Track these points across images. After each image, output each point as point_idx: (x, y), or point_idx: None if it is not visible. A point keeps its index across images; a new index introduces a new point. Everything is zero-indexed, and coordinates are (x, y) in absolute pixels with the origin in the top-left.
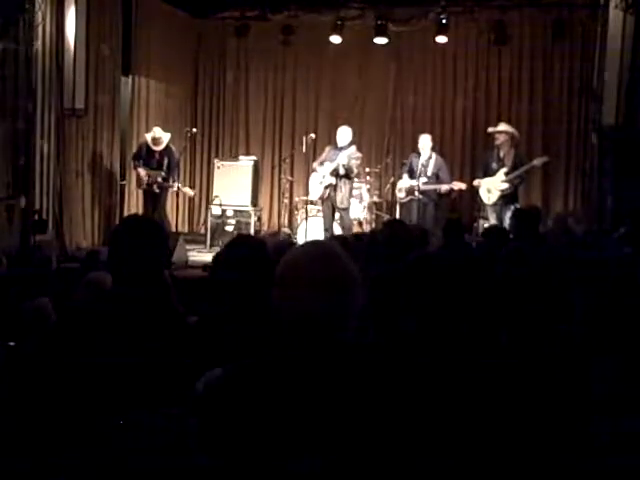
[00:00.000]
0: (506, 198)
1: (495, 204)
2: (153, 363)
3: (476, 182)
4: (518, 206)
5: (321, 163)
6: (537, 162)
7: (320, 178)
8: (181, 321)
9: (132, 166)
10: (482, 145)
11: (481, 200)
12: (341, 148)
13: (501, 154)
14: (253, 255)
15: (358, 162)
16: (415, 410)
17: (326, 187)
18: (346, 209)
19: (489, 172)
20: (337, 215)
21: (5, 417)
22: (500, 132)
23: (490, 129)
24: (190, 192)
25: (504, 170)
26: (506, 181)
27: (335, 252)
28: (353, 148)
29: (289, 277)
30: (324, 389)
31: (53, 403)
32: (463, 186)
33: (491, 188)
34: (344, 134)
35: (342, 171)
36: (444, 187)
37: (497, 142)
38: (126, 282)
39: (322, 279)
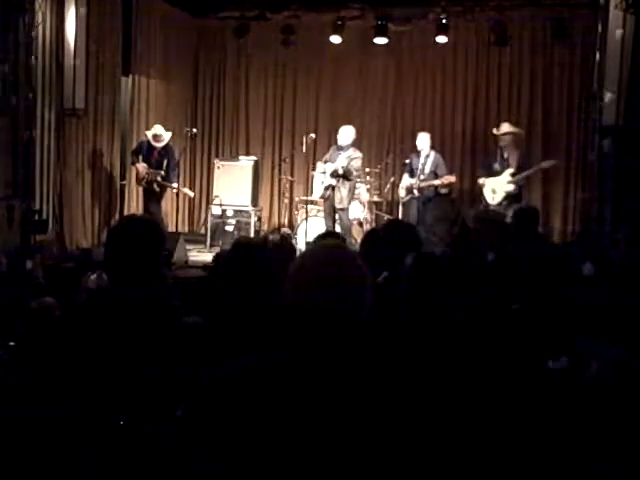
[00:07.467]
0: (510, 198)
1: (499, 204)
2: (151, 363)
3: (481, 181)
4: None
5: (325, 162)
6: (545, 165)
7: (322, 178)
8: (179, 320)
9: (130, 161)
10: (482, 145)
11: (485, 200)
12: (341, 148)
13: (505, 155)
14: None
15: (359, 162)
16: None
17: (326, 188)
18: (344, 209)
19: (492, 172)
20: (337, 215)
21: (5, 416)
22: (505, 134)
23: (495, 131)
24: (190, 193)
25: (510, 171)
26: (512, 182)
27: (348, 252)
28: (351, 150)
29: (305, 277)
30: (340, 384)
31: (53, 402)
32: (452, 179)
33: (496, 188)
34: (345, 133)
35: (340, 172)
36: (436, 182)
37: (502, 143)
38: (123, 282)
39: (338, 278)
